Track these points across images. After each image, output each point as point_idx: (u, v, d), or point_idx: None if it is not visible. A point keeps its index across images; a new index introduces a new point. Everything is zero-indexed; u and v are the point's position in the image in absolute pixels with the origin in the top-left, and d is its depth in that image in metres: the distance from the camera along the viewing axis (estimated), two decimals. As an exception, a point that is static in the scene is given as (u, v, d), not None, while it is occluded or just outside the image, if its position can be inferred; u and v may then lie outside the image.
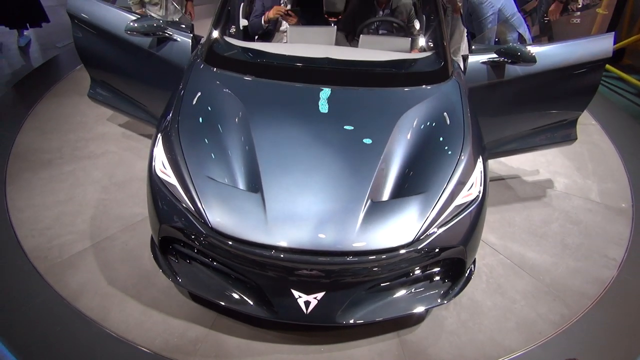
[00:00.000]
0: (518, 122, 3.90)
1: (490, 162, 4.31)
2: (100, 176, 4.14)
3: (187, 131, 2.91)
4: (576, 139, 4.02)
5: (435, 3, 3.58)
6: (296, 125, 2.92)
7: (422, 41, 3.86)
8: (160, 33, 3.56)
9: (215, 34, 3.44)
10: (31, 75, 5.47)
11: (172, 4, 4.71)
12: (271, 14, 4.01)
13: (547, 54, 3.59)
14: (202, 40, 3.63)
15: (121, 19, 3.65)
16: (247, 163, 2.75)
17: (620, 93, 5.64)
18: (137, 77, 3.91)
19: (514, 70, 3.57)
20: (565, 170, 4.49)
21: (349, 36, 4.08)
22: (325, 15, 4.54)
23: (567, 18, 4.86)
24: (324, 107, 3.02)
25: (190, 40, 3.60)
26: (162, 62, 3.65)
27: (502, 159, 4.38)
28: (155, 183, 2.84)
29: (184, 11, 4.81)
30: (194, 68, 3.30)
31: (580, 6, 4.75)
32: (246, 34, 4.22)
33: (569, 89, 3.76)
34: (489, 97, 3.66)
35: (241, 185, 2.69)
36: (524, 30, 4.13)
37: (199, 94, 3.12)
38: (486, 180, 2.94)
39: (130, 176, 4.14)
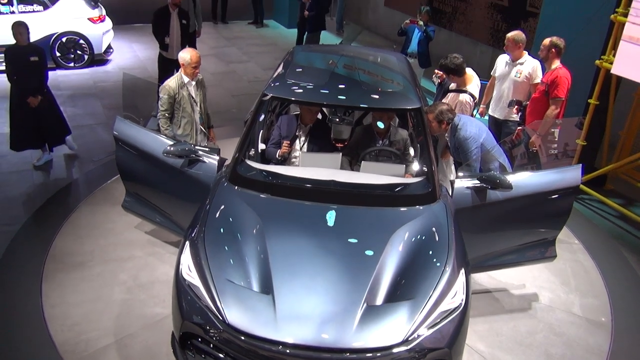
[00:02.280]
0: (501, 240, 4.38)
1: (480, 275, 4.75)
2: (125, 278, 4.59)
3: (211, 240, 3.42)
4: (556, 256, 4.47)
5: (426, 136, 4.21)
6: (305, 237, 3.43)
7: (415, 168, 4.46)
8: (192, 156, 4.19)
9: (239, 157, 4.06)
10: (70, 186, 6.12)
11: (201, 131, 5.43)
12: (281, 152, 4.68)
13: (523, 181, 4.16)
14: (227, 162, 4.25)
15: (158, 143, 4.31)
16: (261, 268, 3.22)
17: (603, 215, 6.15)
18: (168, 192, 4.49)
19: (495, 194, 4.11)
20: (550, 285, 4.88)
21: (353, 161, 4.69)
22: (333, 142, 5.22)
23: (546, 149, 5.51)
24: (329, 222, 3.54)
25: (216, 162, 4.22)
26: (191, 180, 4.24)
27: (491, 273, 4.79)
28: (180, 284, 3.30)
29: (204, 136, 5.53)
30: (219, 186, 3.88)
31: (556, 139, 5.42)
32: (264, 156, 4.86)
33: (545, 212, 4.29)
34: (474, 217, 4.17)
35: (255, 287, 3.15)
36: (503, 159, 4.73)
37: (223, 208, 3.67)
38: (469, 290, 3.37)
39: (153, 279, 4.59)
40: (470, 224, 4.05)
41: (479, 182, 4.09)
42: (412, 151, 4.93)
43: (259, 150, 4.89)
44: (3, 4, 9.28)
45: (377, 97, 4.38)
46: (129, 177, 4.64)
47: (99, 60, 10.17)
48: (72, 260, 4.79)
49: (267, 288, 3.13)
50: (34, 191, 5.98)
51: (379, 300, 3.12)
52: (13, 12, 9.32)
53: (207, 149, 4.37)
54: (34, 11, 9.50)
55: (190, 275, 3.30)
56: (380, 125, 4.77)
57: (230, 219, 3.57)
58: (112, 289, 4.46)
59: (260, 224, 3.49)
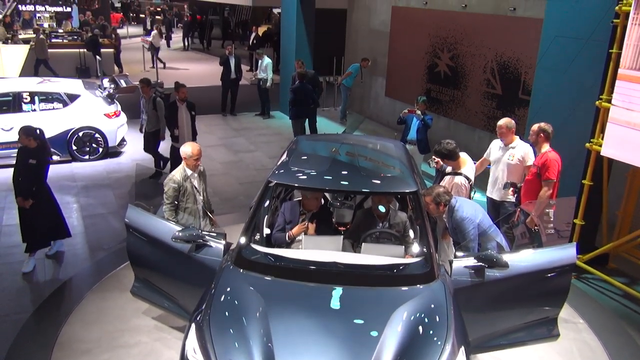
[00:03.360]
0: (502, 319, 4.43)
1: (485, 356, 4.74)
2: (132, 365, 4.63)
3: (216, 323, 3.53)
4: (559, 335, 4.49)
5: (423, 218, 4.40)
6: (307, 318, 3.53)
7: (414, 248, 4.62)
8: (200, 240, 4.38)
9: (243, 241, 4.24)
10: (81, 273, 6.26)
11: (205, 217, 5.65)
12: (294, 231, 4.86)
13: (519, 260, 4.28)
14: (232, 247, 4.42)
15: (168, 229, 4.51)
16: (265, 351, 3.31)
17: (607, 294, 6.17)
18: (176, 276, 4.63)
19: (493, 273, 4.22)
20: (557, 364, 4.85)
21: (354, 244, 4.85)
22: (336, 225, 5.40)
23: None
24: (331, 303, 3.66)
25: (222, 247, 4.40)
26: (198, 264, 4.40)
27: (495, 354, 4.78)
28: (186, 367, 3.38)
29: (207, 221, 5.75)
30: (225, 269, 4.04)
31: (552, 219, 5.58)
32: (268, 241, 5.04)
33: (543, 290, 4.37)
34: (474, 296, 4.25)
35: (259, 368, 3.22)
36: (500, 239, 4.87)
37: (228, 291, 3.81)
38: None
39: (158, 365, 4.63)
40: (470, 304, 4.14)
41: (476, 261, 4.22)
42: (411, 233, 5.10)
43: (264, 235, 5.08)
44: (25, 103, 9.90)
45: (376, 181, 4.63)
46: (139, 262, 4.80)
47: (112, 152, 10.64)
48: (80, 347, 4.85)
49: None
50: (44, 279, 6.13)
51: None
52: (34, 110, 9.92)
53: (213, 234, 4.56)
54: (54, 109, 10.10)
55: (195, 357, 3.38)
56: (381, 208, 4.98)
57: (235, 302, 3.70)
58: (119, 376, 4.49)
59: (264, 306, 3.60)
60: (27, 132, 6.08)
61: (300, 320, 3.52)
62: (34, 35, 17.86)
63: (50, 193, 6.50)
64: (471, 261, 4.25)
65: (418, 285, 3.86)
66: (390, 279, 3.96)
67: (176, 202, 5.44)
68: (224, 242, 4.45)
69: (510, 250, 4.75)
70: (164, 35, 24.76)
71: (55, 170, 9.73)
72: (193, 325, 3.59)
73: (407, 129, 8.95)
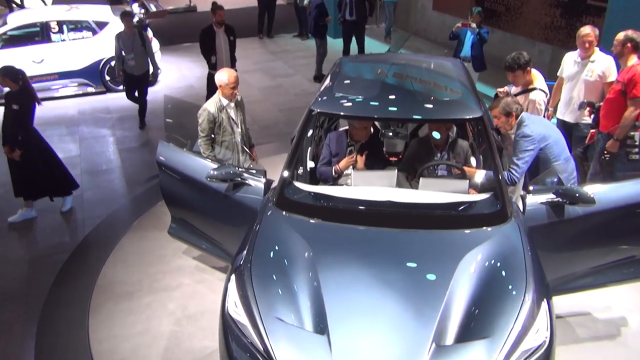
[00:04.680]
0: (581, 260, 3.89)
1: (558, 298, 4.24)
2: (174, 308, 4.38)
3: (258, 273, 3.13)
4: (647, 275, 3.93)
5: (491, 146, 3.80)
6: (361, 268, 3.08)
7: (481, 183, 4.05)
8: (237, 179, 3.94)
9: (285, 179, 3.77)
10: (118, 211, 6.02)
11: (244, 152, 5.19)
12: (342, 165, 4.34)
13: (606, 194, 3.67)
14: (273, 185, 3.98)
15: (202, 167, 4.08)
16: (314, 305, 2.90)
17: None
18: (213, 217, 4.26)
19: (574, 210, 3.65)
20: (639, 307, 4.33)
21: (409, 177, 4.33)
22: (386, 156, 4.87)
23: (625, 154, 4.96)
24: (387, 249, 3.19)
25: (262, 186, 3.95)
26: (237, 205, 3.99)
27: (570, 296, 4.29)
28: (227, 322, 3.02)
29: (246, 155, 5.29)
30: (266, 211, 3.60)
31: (637, 143, 4.86)
32: (313, 176, 4.56)
33: (633, 227, 3.77)
34: (551, 235, 3.72)
35: (308, 326, 2.82)
36: (567, 177, 4.22)
37: (270, 236, 3.38)
38: (553, 323, 2.93)
39: (201, 309, 4.36)
40: (545, 244, 3.60)
41: (555, 196, 3.64)
42: (474, 163, 4.51)
43: (308, 170, 4.60)
44: (54, 33, 9.46)
45: (434, 107, 4.01)
46: (174, 202, 4.45)
47: (150, 80, 10.18)
48: (121, 290, 4.63)
49: (321, 327, 2.80)
50: (82, 217, 5.91)
51: (450, 340, 2.73)
52: (64, 40, 9.49)
53: (252, 171, 4.11)
54: (83, 37, 9.65)
55: (237, 312, 3.01)
56: (438, 136, 4.39)
57: (278, 249, 3.28)
58: (161, 320, 4.26)
59: (311, 253, 3.17)
60: (4, 72, 5.37)
61: (353, 270, 3.08)
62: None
63: (44, 143, 5.78)
64: (549, 196, 3.67)
65: (487, 228, 3.33)
66: (455, 220, 3.44)
67: (212, 136, 4.98)
68: (264, 180, 4.00)
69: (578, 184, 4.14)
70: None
71: (90, 102, 9.46)
72: (233, 276, 3.21)
73: (460, 45, 8.10)
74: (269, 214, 3.58)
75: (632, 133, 4.84)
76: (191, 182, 4.14)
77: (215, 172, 3.91)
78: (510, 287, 2.98)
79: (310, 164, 4.64)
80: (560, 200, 3.62)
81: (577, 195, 3.56)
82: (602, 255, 3.90)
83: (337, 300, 2.90)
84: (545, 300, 2.98)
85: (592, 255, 3.88)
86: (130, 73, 8.05)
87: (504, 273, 3.08)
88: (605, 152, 5.06)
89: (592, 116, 5.23)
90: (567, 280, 3.92)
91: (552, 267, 3.60)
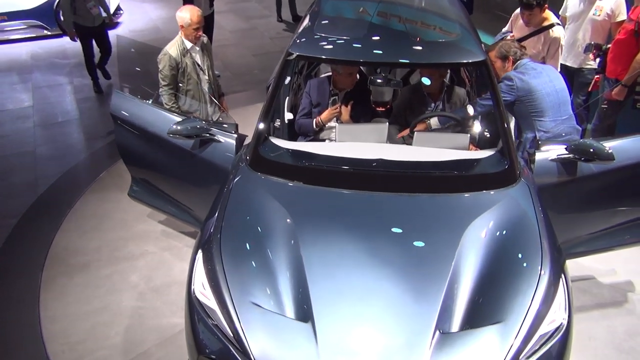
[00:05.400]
0: (595, 221, 3.51)
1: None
2: (137, 280, 3.92)
3: (229, 248, 2.65)
4: (659, 237, 3.58)
5: (496, 95, 3.30)
6: (350, 241, 2.62)
7: (482, 137, 3.58)
8: (205, 135, 3.40)
9: (260, 135, 3.24)
10: (75, 169, 5.43)
11: (212, 103, 4.60)
12: (324, 117, 3.82)
13: (624, 148, 3.25)
14: (247, 141, 3.46)
15: (164, 120, 3.53)
16: (296, 286, 2.45)
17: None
18: (179, 178, 3.75)
19: (588, 167, 3.23)
20: (647, 270, 4.02)
21: (401, 130, 3.84)
22: (373, 105, 4.36)
23: (632, 102, 4.53)
24: (380, 218, 2.73)
25: (234, 142, 3.43)
26: (205, 164, 3.48)
27: (574, 259, 3.94)
28: (194, 306, 2.56)
29: (215, 107, 4.71)
30: (238, 173, 3.09)
31: (647, 88, 4.44)
32: (291, 130, 4.04)
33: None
34: (560, 195, 3.32)
35: (289, 312, 2.38)
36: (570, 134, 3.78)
37: (243, 204, 2.89)
38: (571, 301, 2.54)
39: (168, 280, 3.91)
40: (553, 204, 3.19)
41: (567, 152, 3.20)
42: (471, 112, 4.00)
43: (286, 122, 4.07)
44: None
45: (428, 49, 3.46)
46: (133, 161, 3.90)
47: (107, 24, 9.33)
48: (76, 260, 4.12)
49: (305, 313, 2.36)
50: (34, 177, 5.31)
51: (456, 326, 2.31)
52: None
53: (222, 125, 3.57)
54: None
55: (205, 294, 2.55)
56: (428, 82, 3.87)
57: (253, 219, 2.79)
58: (122, 295, 3.79)
59: (292, 224, 2.69)
60: None
61: (340, 244, 2.61)
62: None
63: None
64: (560, 153, 3.23)
65: (494, 190, 2.88)
66: (458, 182, 2.98)
67: (174, 86, 4.38)
68: (235, 135, 3.47)
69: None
70: None
71: (44, 46, 8.63)
72: (200, 251, 2.73)
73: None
74: (241, 176, 3.07)
75: (640, 79, 4.39)
76: (152, 138, 3.60)
77: (179, 127, 3.36)
78: (524, 260, 2.56)
79: (289, 116, 4.11)
80: (573, 156, 3.19)
81: (592, 150, 3.12)
82: (614, 216, 3.51)
83: (323, 281, 2.45)
84: (563, 275, 2.58)
85: (604, 216, 3.50)
86: (86, 25, 6.64)
87: (516, 244, 2.65)
88: (605, 102, 4.63)
89: (598, 60, 4.75)
90: (576, 244, 3.55)
91: (561, 229, 3.17)
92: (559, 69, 4.54)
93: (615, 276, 3.95)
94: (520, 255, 2.58)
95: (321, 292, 2.41)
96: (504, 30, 4.85)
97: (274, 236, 2.67)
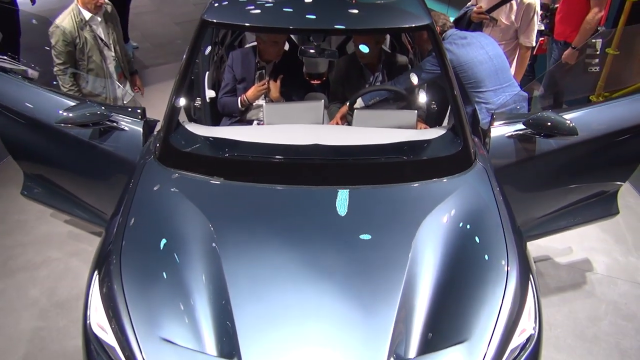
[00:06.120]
0: (550, 201, 3.21)
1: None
2: (37, 295, 3.32)
3: (132, 266, 2.13)
4: (618, 212, 3.33)
5: (445, 63, 2.86)
6: (283, 250, 2.15)
7: (430, 112, 3.17)
8: (106, 122, 2.81)
9: (171, 120, 2.69)
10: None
11: (120, 84, 3.96)
12: (250, 95, 3.30)
13: (584, 119, 2.92)
14: (157, 129, 2.90)
15: (54, 105, 2.90)
16: (218, 313, 1.97)
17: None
18: (79, 173, 3.15)
19: (547, 142, 2.89)
20: (603, 246, 3.80)
21: (339, 107, 3.37)
22: (306, 78, 3.87)
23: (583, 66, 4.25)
24: (317, 219, 2.27)
25: (140, 129, 2.86)
26: (108, 157, 2.90)
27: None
28: (90, 342, 2.04)
29: (132, 88, 4.06)
30: (145, 169, 2.55)
31: (598, 52, 4.15)
32: (214, 109, 3.50)
33: (609, 158, 3.09)
34: (517, 174, 2.97)
35: (210, 348, 1.90)
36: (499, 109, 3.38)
37: (149, 208, 2.35)
38: (539, 302, 2.20)
39: (75, 292, 3.34)
40: (509, 184, 2.85)
41: (525, 128, 2.83)
42: (414, 77, 3.55)
43: (207, 100, 3.52)
44: None
45: (368, 13, 2.97)
46: (23, 155, 3.26)
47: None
48: (-38, 274, 3.48)
49: (229, 348, 1.89)
50: None
51: (413, 350, 1.90)
52: None
53: (127, 110, 2.99)
54: None
55: (103, 327, 2.03)
56: (366, 50, 3.40)
57: (162, 228, 2.26)
58: (20, 314, 3.19)
59: (212, 233, 2.19)
60: None
61: (272, 255, 2.14)
62: None
63: None
64: (516, 128, 2.87)
65: (444, 179, 2.47)
66: (407, 170, 2.55)
67: (72, 64, 3.69)
68: (142, 121, 2.90)
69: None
70: None
71: None
72: (96, 272, 2.19)
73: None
74: (148, 173, 2.53)
75: (593, 40, 4.10)
76: (41, 127, 2.96)
77: (70, 114, 2.75)
78: (488, 261, 2.18)
79: (210, 94, 3.55)
80: (532, 132, 2.83)
81: (553, 124, 2.76)
82: (570, 193, 3.22)
83: (250, 304, 1.98)
84: (531, 274, 2.23)
85: (560, 194, 3.20)
86: None
87: (477, 241, 2.26)
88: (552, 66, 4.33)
89: (545, 21, 4.42)
90: (533, 226, 3.24)
91: (517, 211, 2.84)
92: (537, 41, 4.17)
93: (572, 255, 3.72)
94: (485, 257, 2.19)
95: (249, 318, 1.94)
96: (469, 4, 4.39)
97: (188, 249, 2.16)
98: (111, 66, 3.84)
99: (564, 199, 3.21)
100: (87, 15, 3.66)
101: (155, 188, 2.44)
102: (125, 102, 3.94)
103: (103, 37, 3.78)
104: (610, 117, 2.98)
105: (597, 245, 3.79)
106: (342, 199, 2.35)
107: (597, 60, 4.08)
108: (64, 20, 3.59)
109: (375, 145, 2.62)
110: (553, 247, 3.72)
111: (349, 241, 2.19)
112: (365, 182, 2.42)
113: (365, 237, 2.21)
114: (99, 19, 3.75)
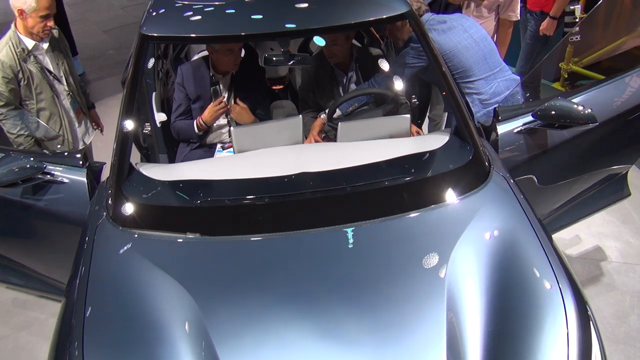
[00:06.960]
0: (563, 193, 2.91)
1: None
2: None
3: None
4: (630, 194, 3.05)
5: (435, 55, 2.44)
6: (294, 325, 1.69)
7: (415, 107, 2.77)
8: (36, 177, 2.27)
9: (121, 164, 2.18)
10: None
11: (80, 122, 3.35)
12: (207, 117, 2.80)
13: (595, 101, 2.58)
14: (103, 174, 2.38)
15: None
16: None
17: None
18: (21, 239, 2.61)
19: (559, 133, 2.54)
20: (611, 229, 3.53)
21: (316, 118, 2.91)
22: (268, 84, 3.43)
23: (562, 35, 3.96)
24: (328, 277, 1.82)
25: (84, 180, 2.33)
26: (48, 217, 2.37)
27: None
28: None
29: (88, 125, 3.45)
30: (98, 233, 2.03)
31: (577, 20, 3.86)
32: (167, 134, 3.00)
33: (619, 139, 2.80)
34: (527, 172, 2.63)
35: None
36: (491, 99, 3.04)
37: (112, 287, 1.85)
38: (599, 333, 1.85)
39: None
40: (521, 183, 2.49)
41: (536, 120, 2.46)
42: (384, 64, 3.10)
43: (158, 125, 3.01)
44: None
45: (331, 8, 2.49)
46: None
47: None
48: None
49: None
50: None
51: None
52: None
53: (62, 156, 2.46)
54: None
55: None
56: (322, 43, 2.91)
57: (132, 316, 1.77)
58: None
59: (197, 309, 1.72)
60: None
61: (282, 333, 1.68)
62: None
63: None
64: (525, 121, 2.51)
65: (464, 197, 2.06)
66: (421, 192, 2.10)
67: (16, 105, 3.02)
68: (84, 169, 2.37)
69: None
70: None
71: None
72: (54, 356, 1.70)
73: None
74: (102, 237, 2.02)
75: (571, 7, 3.79)
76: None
77: (-8, 169, 2.20)
78: (539, 290, 1.80)
79: (160, 117, 3.03)
80: (543, 124, 2.47)
81: (567, 114, 2.39)
82: (584, 181, 2.91)
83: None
84: (582, 296, 1.87)
85: (575, 184, 2.89)
86: None
87: (516, 269, 1.87)
88: (529, 38, 4.00)
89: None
90: (547, 223, 2.89)
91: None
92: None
93: (581, 244, 3.44)
94: (531, 284, 1.80)
95: None
96: None
97: (168, 333, 1.69)
98: (66, 102, 3.18)
99: (577, 188, 2.91)
100: (29, 43, 2.97)
101: (114, 257, 1.94)
102: (87, 142, 3.34)
103: (52, 69, 3.10)
104: (620, 96, 2.66)
105: (605, 229, 3.52)
106: (349, 243, 1.91)
107: (577, 28, 3.77)
108: (1, 53, 2.91)
109: (373, 165, 2.18)
110: (561, 238, 3.42)
111: (370, 299, 1.75)
112: (371, 216, 1.99)
113: (388, 289, 1.78)
114: (45, 46, 3.08)
